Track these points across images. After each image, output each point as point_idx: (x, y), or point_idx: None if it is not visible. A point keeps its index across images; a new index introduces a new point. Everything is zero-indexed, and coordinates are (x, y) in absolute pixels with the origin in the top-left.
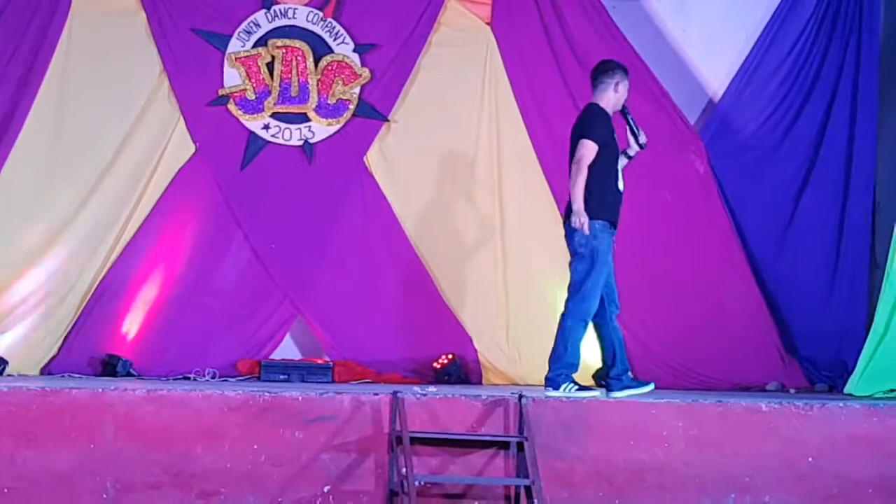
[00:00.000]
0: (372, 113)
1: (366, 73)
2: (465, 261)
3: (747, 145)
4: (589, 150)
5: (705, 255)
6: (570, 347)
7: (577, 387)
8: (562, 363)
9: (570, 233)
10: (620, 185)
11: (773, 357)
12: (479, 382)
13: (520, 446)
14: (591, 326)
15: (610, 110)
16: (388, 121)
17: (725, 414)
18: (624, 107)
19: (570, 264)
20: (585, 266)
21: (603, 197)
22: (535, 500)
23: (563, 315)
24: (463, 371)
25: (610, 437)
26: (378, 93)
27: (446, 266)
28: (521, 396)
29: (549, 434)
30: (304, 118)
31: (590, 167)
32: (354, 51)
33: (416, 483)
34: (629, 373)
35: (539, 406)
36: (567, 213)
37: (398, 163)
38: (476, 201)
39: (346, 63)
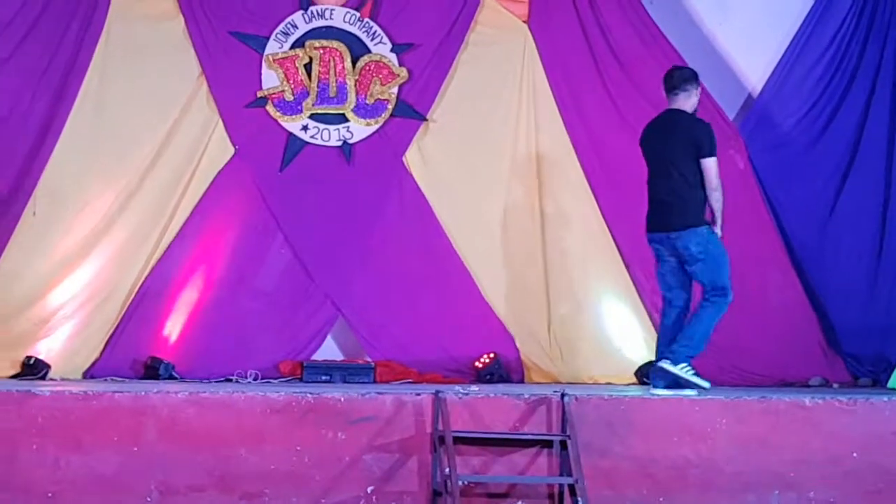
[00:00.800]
0: (410, 112)
1: (403, 72)
2: (505, 260)
3: (787, 140)
4: (714, 167)
5: (747, 250)
6: (703, 334)
7: (693, 371)
8: (691, 344)
9: (684, 244)
10: None
11: (815, 352)
12: (522, 381)
13: (563, 445)
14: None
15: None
16: (426, 120)
17: (769, 410)
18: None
19: (695, 273)
20: (710, 266)
21: (703, 203)
22: (580, 499)
23: (705, 305)
24: (505, 370)
25: (653, 434)
26: (416, 92)
27: (486, 265)
28: (563, 395)
29: (591, 432)
30: (342, 119)
31: (691, 172)
32: (392, 51)
33: (460, 483)
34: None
35: (582, 404)
36: (677, 224)
37: (437, 162)
38: (515, 200)
39: (384, 63)
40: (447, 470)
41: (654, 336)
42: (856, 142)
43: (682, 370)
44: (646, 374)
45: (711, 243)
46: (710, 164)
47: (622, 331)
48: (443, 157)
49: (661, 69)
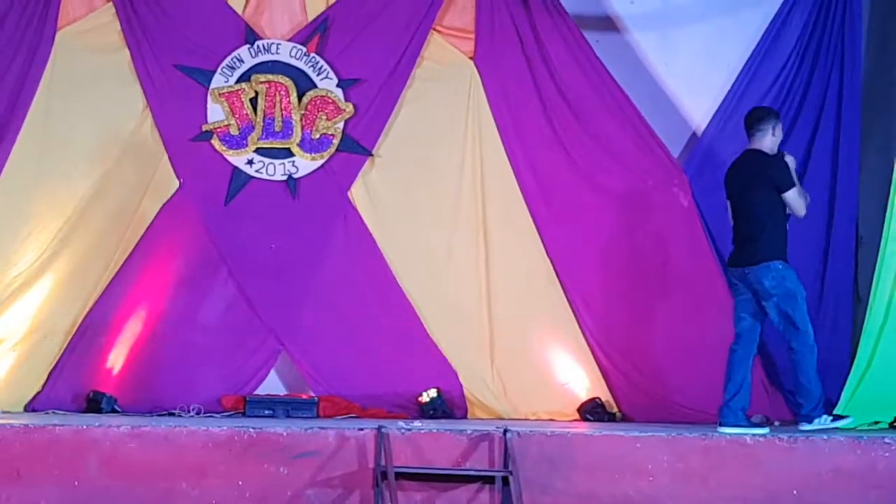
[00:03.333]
0: (356, 148)
1: (349, 107)
2: (449, 295)
3: None
4: (797, 197)
5: (689, 288)
6: (813, 381)
7: (830, 418)
8: (811, 398)
9: (758, 279)
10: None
11: (757, 390)
12: (465, 417)
13: (505, 481)
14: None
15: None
16: (371, 155)
17: (710, 447)
18: (781, 150)
19: (770, 308)
20: (787, 305)
21: (781, 239)
22: None
23: (793, 357)
24: (448, 405)
25: (595, 471)
26: (362, 127)
27: (431, 300)
28: (506, 431)
29: (534, 468)
30: (287, 153)
31: (767, 210)
32: (338, 86)
33: None
34: (745, 411)
35: (524, 440)
36: (750, 259)
37: (382, 197)
38: (460, 235)
39: (330, 98)
40: None
41: (597, 372)
42: (800, 179)
43: (821, 423)
44: (588, 411)
45: (786, 280)
46: (791, 196)
47: (565, 367)
48: (388, 192)
49: (607, 107)
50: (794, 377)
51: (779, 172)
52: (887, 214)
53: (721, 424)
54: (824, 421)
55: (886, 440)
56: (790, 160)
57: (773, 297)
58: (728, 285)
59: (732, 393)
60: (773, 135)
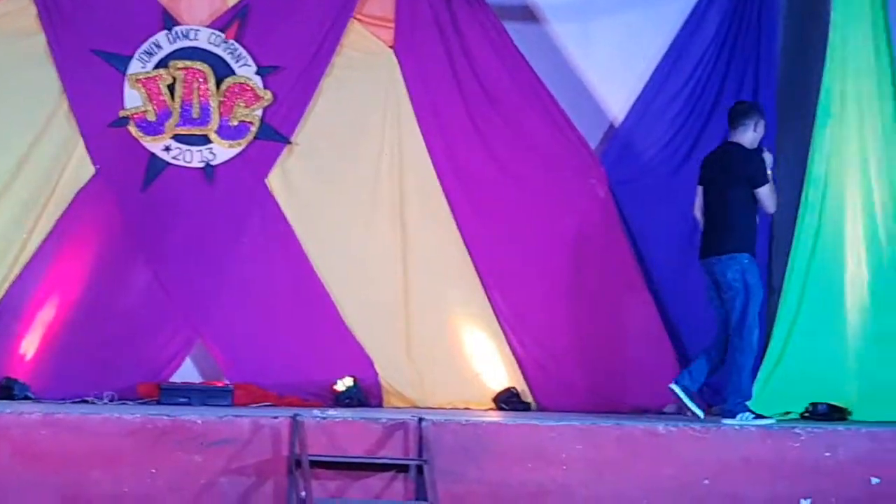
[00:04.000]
0: (274, 135)
1: (268, 95)
2: (366, 284)
3: (647, 169)
4: (769, 194)
5: (605, 279)
6: (745, 379)
7: (753, 415)
8: (738, 395)
9: (722, 269)
10: (757, 219)
11: (670, 379)
12: (380, 405)
13: (419, 469)
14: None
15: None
16: (290, 143)
17: (624, 437)
18: (760, 146)
19: (725, 301)
20: (742, 299)
21: (750, 232)
22: None
23: (731, 351)
24: (363, 394)
25: (509, 460)
26: (280, 115)
27: (347, 289)
28: (421, 419)
29: (448, 457)
30: (205, 140)
31: (739, 203)
32: (257, 73)
33: None
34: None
35: (439, 429)
36: (718, 249)
37: (300, 186)
38: (378, 224)
39: (249, 85)
40: (303, 493)
41: (513, 362)
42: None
43: (743, 420)
44: (503, 401)
45: (748, 275)
46: (764, 192)
47: (481, 357)
48: (306, 180)
49: (525, 97)
50: (725, 370)
51: (755, 168)
52: (800, 209)
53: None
54: (746, 418)
55: (797, 430)
56: (767, 157)
57: (732, 289)
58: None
59: (699, 381)
60: (755, 130)
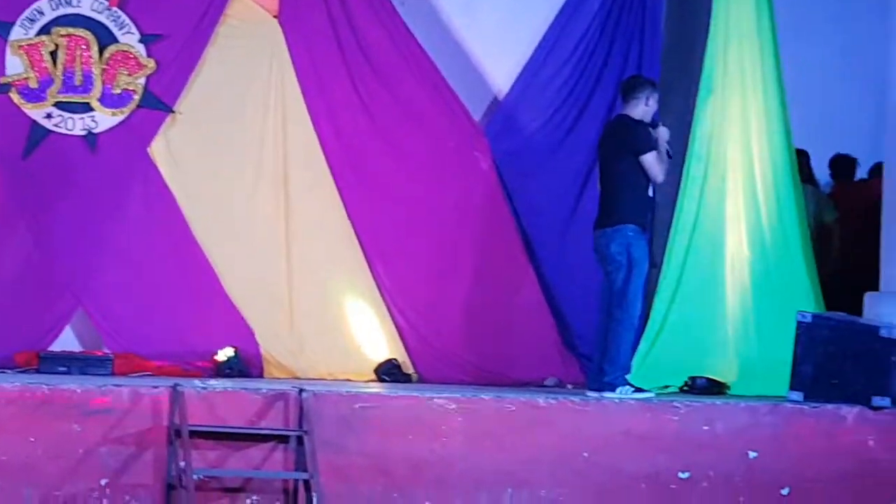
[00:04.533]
0: (157, 104)
1: (151, 63)
2: (248, 254)
3: (531, 143)
4: (654, 162)
5: (488, 251)
6: (624, 352)
7: (632, 389)
8: (617, 367)
9: (606, 242)
10: (650, 192)
11: (552, 353)
12: (261, 376)
13: (299, 440)
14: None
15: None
16: (173, 112)
17: (504, 409)
18: (654, 119)
19: (609, 273)
20: (625, 273)
21: (636, 203)
22: (314, 494)
23: (611, 323)
24: (244, 364)
25: (389, 431)
26: (163, 84)
27: (230, 259)
28: (301, 390)
29: (329, 428)
30: (87, 108)
31: (626, 174)
32: (140, 41)
33: (195, 477)
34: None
35: (319, 400)
36: (602, 223)
37: (183, 155)
38: (261, 195)
39: (132, 53)
40: (182, 464)
41: (395, 335)
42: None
43: (622, 393)
44: (384, 372)
45: (632, 248)
46: (646, 160)
47: (363, 329)
48: (189, 149)
49: (409, 69)
50: (603, 343)
51: (637, 136)
52: (681, 185)
53: (600, 390)
54: (626, 391)
55: (676, 404)
56: (663, 131)
57: (615, 262)
58: None
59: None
60: (647, 104)
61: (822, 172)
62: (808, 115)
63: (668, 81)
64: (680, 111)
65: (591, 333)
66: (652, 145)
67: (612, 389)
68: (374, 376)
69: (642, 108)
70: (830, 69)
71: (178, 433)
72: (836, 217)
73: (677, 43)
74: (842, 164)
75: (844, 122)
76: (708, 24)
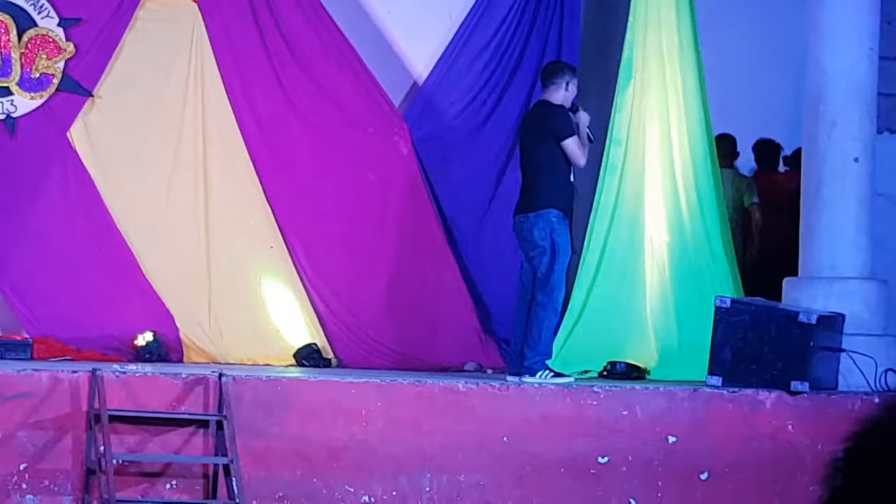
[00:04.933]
0: (76, 88)
1: (70, 47)
2: (167, 239)
3: (451, 127)
4: (575, 147)
5: (407, 236)
6: (545, 337)
7: (552, 374)
8: (538, 352)
9: (529, 227)
10: (572, 177)
11: (471, 338)
12: (181, 361)
13: (219, 425)
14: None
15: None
16: (92, 96)
17: (423, 394)
18: (574, 104)
19: (532, 259)
20: (548, 258)
21: (558, 189)
22: (234, 479)
23: (534, 307)
24: (164, 349)
25: (309, 416)
26: (83, 68)
27: (149, 244)
28: (221, 375)
29: (248, 413)
30: (6, 92)
31: (547, 160)
32: (59, 25)
33: (114, 461)
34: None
35: (239, 385)
36: (524, 208)
37: (102, 139)
38: (180, 179)
39: (51, 37)
40: (101, 448)
41: (314, 320)
42: (517, 131)
43: (542, 378)
44: (304, 357)
45: (553, 232)
46: (568, 145)
47: (283, 314)
48: (108, 134)
49: (329, 54)
50: (523, 328)
51: (556, 121)
52: (601, 170)
53: (520, 374)
54: (546, 376)
55: (595, 389)
56: (584, 116)
57: (538, 247)
58: None
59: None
60: (567, 90)
61: (747, 157)
62: (731, 101)
63: (588, 66)
64: (600, 96)
65: (511, 318)
66: (573, 130)
67: (533, 374)
68: (293, 361)
69: (562, 94)
70: (753, 56)
71: (97, 418)
72: (755, 201)
73: (597, 28)
74: (765, 149)
75: (768, 108)
76: (628, 9)
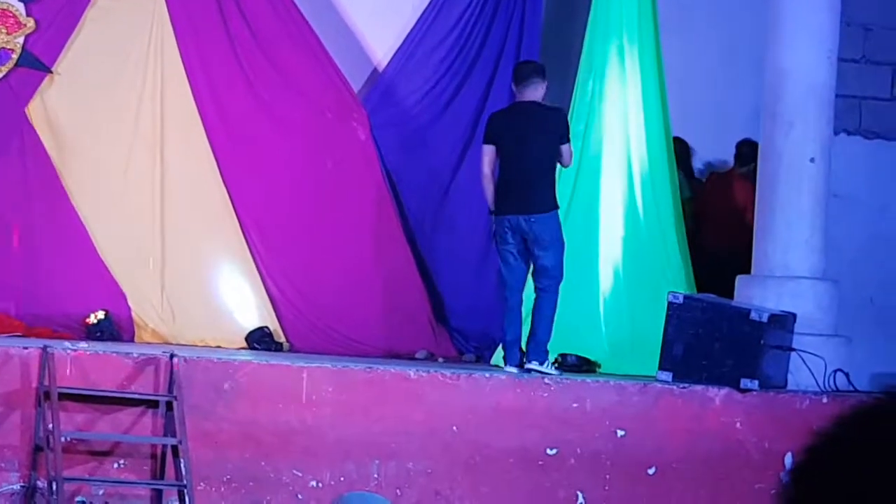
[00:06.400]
0: (35, 63)
1: (30, 22)
2: (122, 218)
3: (409, 115)
4: (570, 150)
5: (363, 222)
6: (550, 326)
7: (554, 364)
8: (544, 341)
9: (541, 227)
10: None
11: (423, 326)
12: (132, 340)
13: (169, 405)
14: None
15: None
16: (51, 73)
17: (374, 380)
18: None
19: (539, 256)
20: (558, 252)
21: (555, 188)
22: (182, 460)
23: (542, 298)
24: (115, 328)
25: (259, 399)
26: (42, 44)
27: (104, 222)
28: (172, 355)
29: (199, 394)
30: None
31: (550, 160)
32: (20, 0)
33: (63, 439)
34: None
35: (190, 366)
36: (535, 207)
37: (60, 116)
38: (137, 159)
39: (11, 12)
40: (50, 426)
41: (267, 303)
42: (475, 121)
43: (547, 367)
44: (256, 340)
45: (560, 229)
46: (567, 148)
47: (236, 296)
48: (66, 111)
49: (292, 39)
50: (519, 320)
51: (563, 123)
52: None
53: (520, 364)
54: (548, 366)
55: (546, 381)
56: None
57: (553, 245)
58: (494, 233)
59: (517, 335)
60: (543, 89)
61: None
62: (690, 100)
63: (548, 59)
64: (559, 88)
65: (462, 307)
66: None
67: (542, 362)
68: (245, 344)
69: (541, 93)
70: (709, 56)
71: (46, 395)
72: (689, 196)
73: (558, 23)
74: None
75: (722, 108)
76: (589, 6)
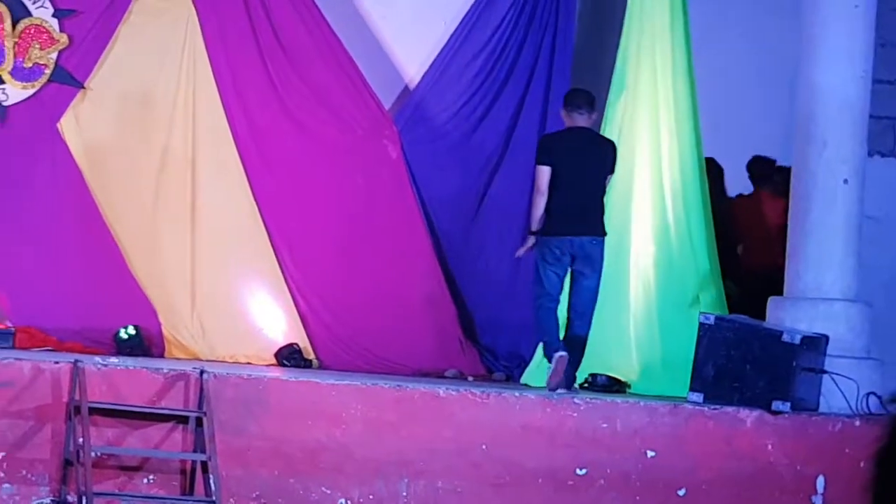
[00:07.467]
0: (68, 79)
1: (64, 38)
2: (154, 234)
3: (441, 133)
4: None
5: (393, 240)
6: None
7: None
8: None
9: (601, 250)
10: None
11: (453, 344)
12: (162, 356)
13: (199, 421)
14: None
15: None
16: (84, 88)
17: (403, 398)
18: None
19: (589, 276)
20: (600, 276)
21: None
22: (211, 476)
23: (585, 326)
24: (146, 343)
25: (289, 416)
26: (75, 59)
27: (135, 237)
28: (202, 372)
29: (228, 410)
30: None
31: (604, 188)
32: (53, 15)
33: (93, 454)
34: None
35: (220, 382)
36: (594, 230)
37: (92, 131)
38: (169, 174)
39: (45, 27)
40: (80, 440)
41: (297, 320)
42: (507, 139)
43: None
44: (285, 357)
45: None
46: (610, 180)
47: (266, 313)
48: (99, 126)
49: (322, 55)
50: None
51: (616, 156)
52: None
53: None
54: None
55: (575, 401)
56: None
57: (600, 268)
58: (540, 253)
59: (555, 335)
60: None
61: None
62: (718, 119)
63: (581, 77)
64: None
65: (492, 326)
66: None
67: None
68: (274, 360)
69: (591, 122)
70: (741, 75)
71: (77, 409)
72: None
73: (590, 39)
74: (760, 166)
75: (755, 127)
76: (622, 21)
